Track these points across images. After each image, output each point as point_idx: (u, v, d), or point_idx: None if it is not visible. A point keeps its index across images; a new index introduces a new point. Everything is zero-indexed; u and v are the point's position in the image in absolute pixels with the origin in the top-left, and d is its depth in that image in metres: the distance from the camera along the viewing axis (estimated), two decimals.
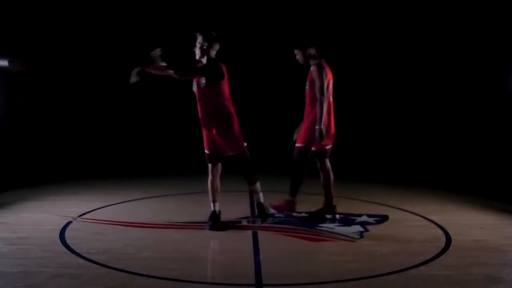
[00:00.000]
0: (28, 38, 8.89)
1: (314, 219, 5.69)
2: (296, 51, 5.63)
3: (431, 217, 5.92)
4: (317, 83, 5.47)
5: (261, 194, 5.51)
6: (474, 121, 8.86)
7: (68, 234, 5.15)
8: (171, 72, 5.02)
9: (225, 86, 5.20)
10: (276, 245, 4.97)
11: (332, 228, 5.43)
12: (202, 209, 5.65)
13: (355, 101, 9.83)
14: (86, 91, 9.82)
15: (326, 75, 5.52)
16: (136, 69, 4.94)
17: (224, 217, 5.49)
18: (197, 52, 5.15)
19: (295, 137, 5.83)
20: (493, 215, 6.13)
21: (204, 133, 5.31)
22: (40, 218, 5.73)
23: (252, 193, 5.60)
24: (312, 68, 5.58)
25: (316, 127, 5.44)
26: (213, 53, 5.20)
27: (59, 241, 4.93)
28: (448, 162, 8.80)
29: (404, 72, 9.70)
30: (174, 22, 9.75)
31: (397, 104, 9.72)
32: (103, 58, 9.72)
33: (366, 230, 5.42)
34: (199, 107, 5.25)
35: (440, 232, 5.40)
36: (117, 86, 9.77)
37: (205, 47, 5.13)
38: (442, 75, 9.44)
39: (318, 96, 5.47)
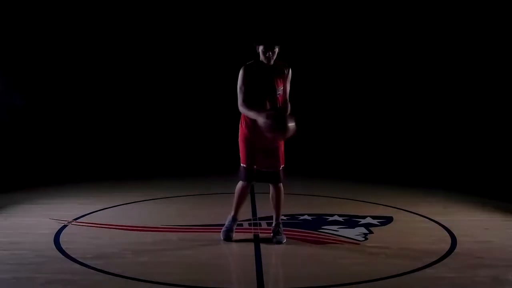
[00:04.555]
0: (23, 41, 8.84)
1: None
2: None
3: (436, 218, 5.87)
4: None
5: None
6: (479, 121, 8.86)
7: (63, 238, 5.05)
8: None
9: None
10: (279, 248, 4.89)
11: (336, 231, 5.39)
12: (201, 212, 5.57)
13: (359, 101, 9.86)
14: (81, 92, 9.76)
15: None
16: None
17: (225, 219, 5.32)
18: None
19: None
20: (498, 216, 6.08)
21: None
22: (34, 222, 5.63)
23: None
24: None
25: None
26: None
27: (53, 245, 4.84)
28: (453, 162, 8.80)
29: (406, 74, 9.72)
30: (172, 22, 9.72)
31: (400, 104, 9.74)
32: (102, 59, 9.66)
33: (371, 232, 5.38)
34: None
35: (445, 233, 5.35)
36: (113, 88, 9.80)
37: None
38: (445, 77, 9.45)
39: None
